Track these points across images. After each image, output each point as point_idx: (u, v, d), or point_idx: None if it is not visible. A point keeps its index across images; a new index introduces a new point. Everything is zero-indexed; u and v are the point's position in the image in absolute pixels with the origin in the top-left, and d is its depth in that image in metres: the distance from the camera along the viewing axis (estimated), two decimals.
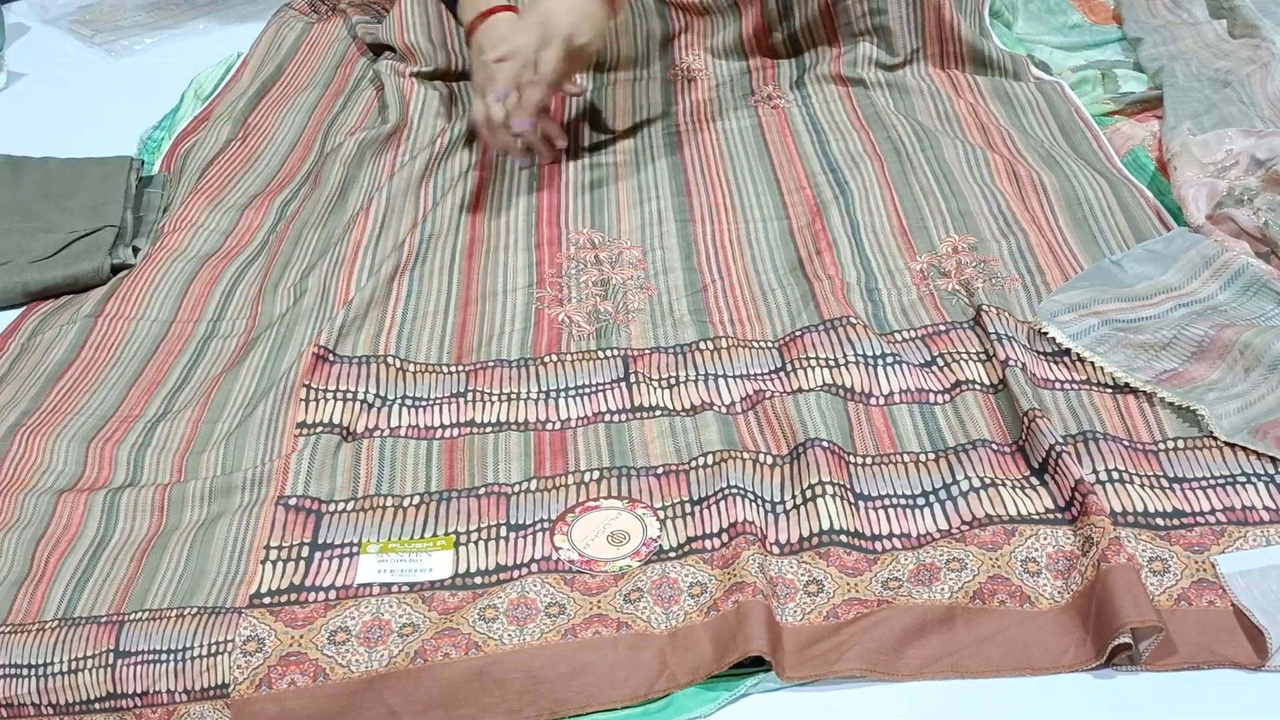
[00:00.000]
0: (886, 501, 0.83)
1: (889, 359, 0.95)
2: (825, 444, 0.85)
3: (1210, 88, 1.32)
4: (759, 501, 0.82)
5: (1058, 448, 0.82)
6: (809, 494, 0.82)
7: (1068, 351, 0.95)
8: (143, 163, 1.29)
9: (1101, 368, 0.93)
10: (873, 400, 0.92)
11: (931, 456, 0.87)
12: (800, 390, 0.93)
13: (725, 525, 0.80)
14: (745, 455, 0.86)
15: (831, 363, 0.95)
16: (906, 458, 0.86)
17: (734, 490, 0.82)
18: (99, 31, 1.74)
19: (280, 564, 0.79)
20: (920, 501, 0.83)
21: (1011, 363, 0.91)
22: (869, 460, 0.86)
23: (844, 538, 0.79)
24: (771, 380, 0.95)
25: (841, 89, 1.43)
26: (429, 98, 1.37)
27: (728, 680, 0.72)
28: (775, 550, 0.79)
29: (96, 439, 0.90)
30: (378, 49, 1.54)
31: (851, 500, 0.82)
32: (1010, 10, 1.59)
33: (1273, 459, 0.83)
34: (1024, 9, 1.62)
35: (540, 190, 1.25)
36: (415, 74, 1.41)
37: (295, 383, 0.93)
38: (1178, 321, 0.97)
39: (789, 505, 0.82)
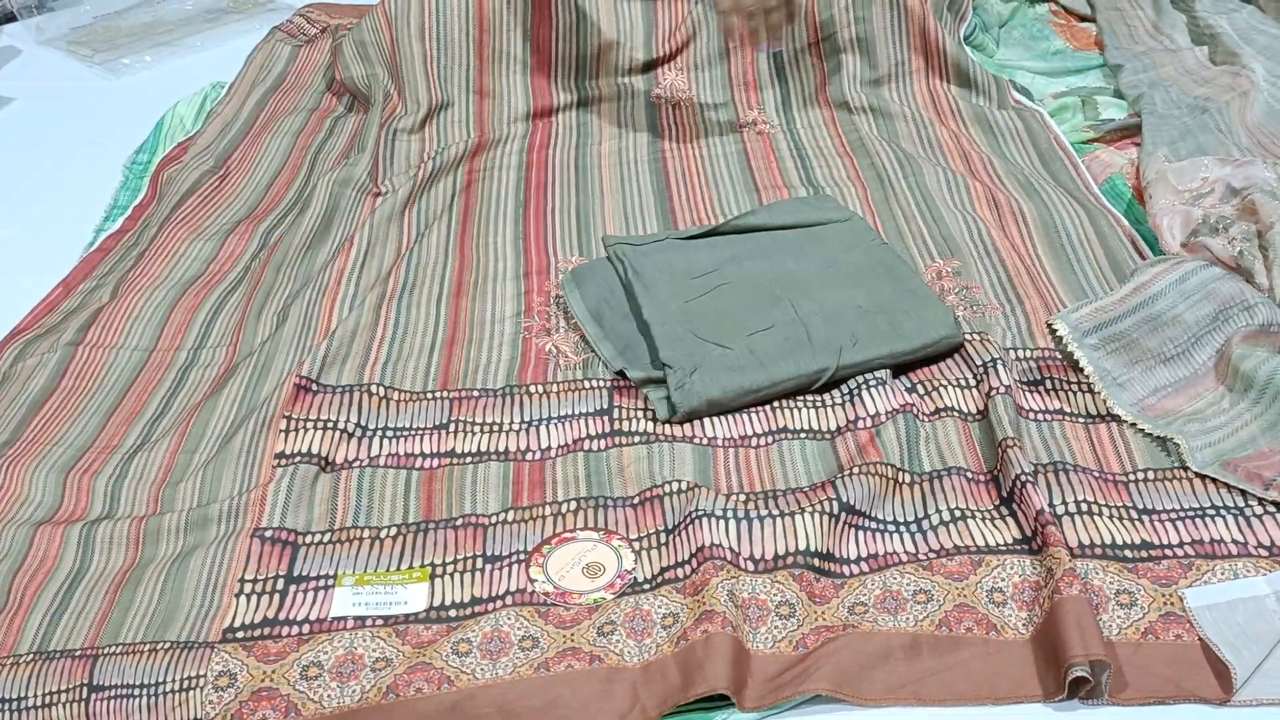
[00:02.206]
0: (861, 522, 0.83)
1: (873, 382, 0.95)
2: (807, 488, 0.87)
3: (1189, 115, 1.33)
4: (729, 519, 0.83)
5: (1023, 478, 0.83)
6: (788, 510, 0.83)
7: (1041, 381, 0.96)
8: None
9: (1077, 394, 0.94)
10: (860, 424, 0.92)
11: (908, 479, 0.87)
12: (785, 432, 0.93)
13: (694, 550, 0.81)
14: (718, 492, 0.87)
15: (817, 404, 0.96)
16: (889, 471, 0.87)
17: (702, 513, 0.83)
18: (98, 51, 1.75)
19: (255, 597, 0.79)
20: (891, 528, 0.84)
21: (997, 390, 0.92)
22: (855, 470, 0.87)
23: (816, 560, 0.80)
24: (755, 420, 0.95)
25: (826, 113, 1.44)
26: (406, 141, 1.39)
27: (700, 712, 0.72)
28: (749, 567, 0.80)
29: (75, 470, 0.91)
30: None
31: (834, 511, 0.82)
32: (991, 39, 1.60)
33: (1243, 492, 0.83)
34: (1005, 35, 1.63)
35: (527, 217, 1.26)
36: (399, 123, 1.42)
37: (275, 413, 0.93)
38: (1192, 328, 0.95)
39: (764, 515, 0.83)
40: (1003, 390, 0.92)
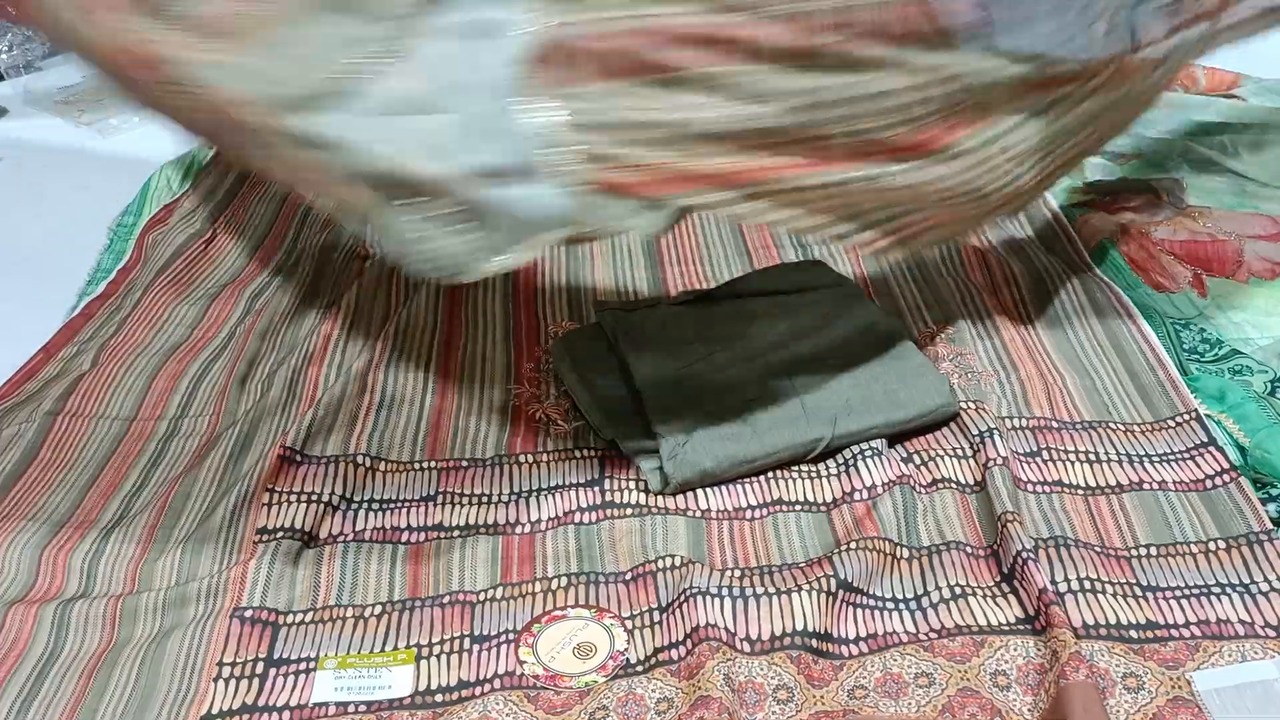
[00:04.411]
0: (859, 599, 0.82)
1: (869, 453, 0.94)
2: (804, 563, 0.85)
3: None
4: (724, 596, 0.81)
5: (1024, 554, 0.81)
6: (785, 588, 0.81)
7: (1038, 453, 0.95)
8: None
9: (1076, 464, 0.93)
10: (856, 496, 0.91)
11: (906, 555, 0.85)
12: (780, 504, 0.92)
13: (688, 630, 0.78)
14: (712, 568, 0.85)
15: (812, 474, 0.94)
16: (886, 546, 0.85)
17: (696, 590, 0.81)
18: (86, 111, 1.74)
19: (234, 681, 0.76)
20: (890, 606, 0.82)
21: (994, 462, 0.91)
22: (852, 545, 0.85)
23: (814, 641, 0.78)
24: (749, 491, 0.93)
25: None
26: None
27: None
28: (745, 648, 0.77)
29: (50, 545, 0.88)
30: None
31: (831, 589, 0.80)
32: None
33: (1247, 568, 0.82)
34: None
35: (516, 280, 1.25)
36: None
37: (257, 487, 0.91)
38: None
39: (760, 594, 0.81)
40: (1000, 462, 0.91)
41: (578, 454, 0.98)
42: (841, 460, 0.95)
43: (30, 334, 1.15)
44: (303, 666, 0.78)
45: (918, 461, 0.95)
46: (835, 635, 0.79)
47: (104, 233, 1.37)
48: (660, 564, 0.85)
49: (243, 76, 0.69)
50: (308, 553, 0.87)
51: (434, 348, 1.13)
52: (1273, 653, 0.75)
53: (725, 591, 0.81)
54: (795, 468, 0.95)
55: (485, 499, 0.93)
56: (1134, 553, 0.85)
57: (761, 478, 0.94)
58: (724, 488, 0.93)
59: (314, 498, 0.91)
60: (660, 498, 0.92)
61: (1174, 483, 0.91)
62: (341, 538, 0.89)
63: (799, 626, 0.78)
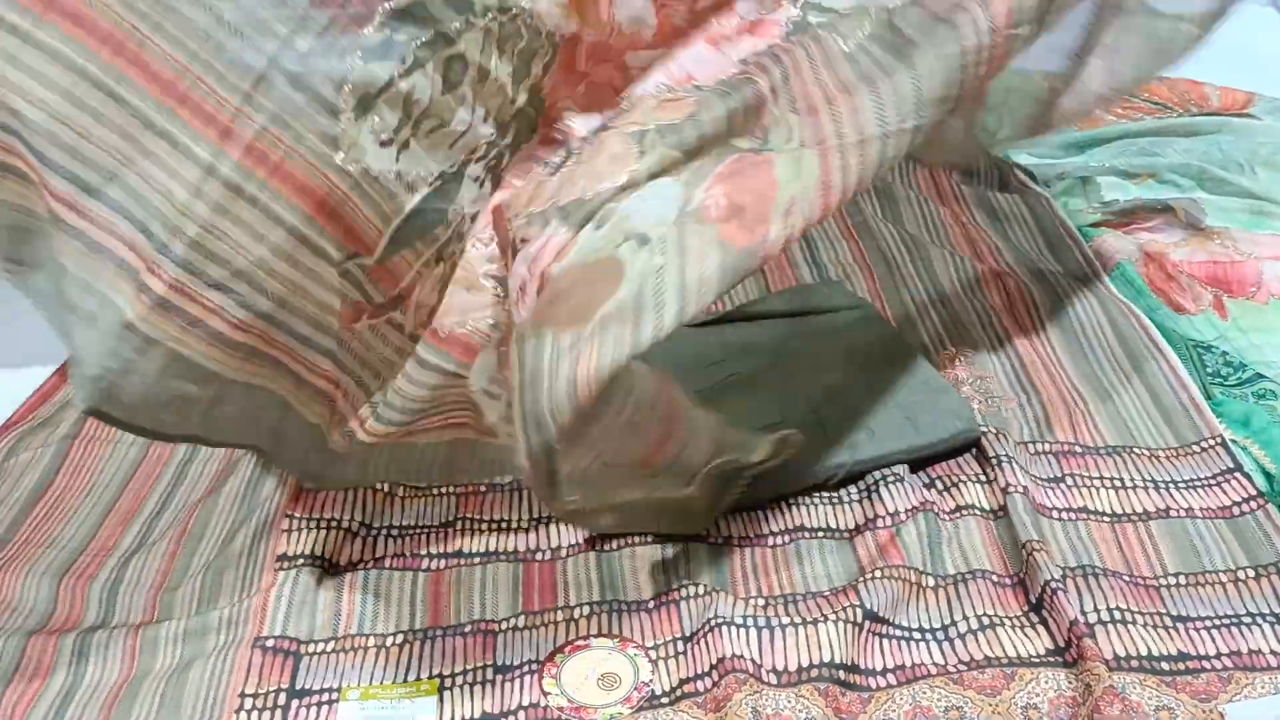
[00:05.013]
0: (885, 630, 0.81)
1: (890, 478, 0.93)
2: (828, 591, 0.84)
3: None
4: (749, 626, 0.80)
5: (1053, 584, 0.80)
6: (810, 618, 0.81)
7: (1062, 479, 0.94)
8: None
9: (1101, 491, 0.92)
10: (879, 523, 0.90)
11: (932, 584, 0.85)
12: (802, 530, 0.91)
13: (714, 661, 0.78)
14: (736, 596, 0.84)
15: (833, 500, 0.93)
16: (912, 575, 0.84)
17: (721, 620, 0.80)
18: None
19: (255, 713, 0.76)
20: (917, 636, 0.81)
21: (1012, 489, 0.90)
22: (878, 574, 0.84)
23: (841, 673, 0.77)
24: (771, 518, 0.93)
25: None
26: None
27: None
28: (772, 680, 0.77)
29: (69, 574, 0.87)
30: None
31: (858, 620, 0.80)
32: (995, 121, 1.60)
33: (1279, 599, 0.81)
34: (1009, 117, 1.64)
35: None
36: None
37: (277, 512, 0.90)
38: None
39: (785, 624, 0.80)
40: (1020, 489, 0.90)
41: None
42: (863, 486, 0.94)
43: (45, 356, 1.15)
44: (325, 698, 0.77)
45: (940, 487, 0.94)
46: (863, 667, 0.78)
47: None
48: (683, 592, 0.84)
49: None
50: (328, 580, 0.86)
51: None
52: None
53: (750, 621, 0.80)
54: (816, 494, 0.94)
55: (505, 524, 0.93)
56: (1163, 582, 0.84)
57: (782, 503, 0.94)
58: (745, 514, 0.93)
59: (333, 524, 0.90)
60: None
61: (1201, 509, 0.90)
62: (362, 565, 0.88)
63: (826, 658, 0.78)
